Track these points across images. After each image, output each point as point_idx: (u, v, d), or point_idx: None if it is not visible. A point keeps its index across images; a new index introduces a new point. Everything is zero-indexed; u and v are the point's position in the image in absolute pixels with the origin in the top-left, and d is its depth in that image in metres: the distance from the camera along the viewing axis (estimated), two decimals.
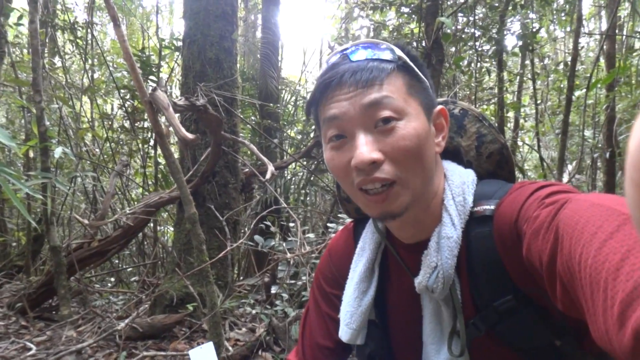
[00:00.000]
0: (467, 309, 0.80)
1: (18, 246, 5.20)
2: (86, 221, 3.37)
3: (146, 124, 5.15)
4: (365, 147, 0.71)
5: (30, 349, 2.59)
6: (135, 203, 4.41)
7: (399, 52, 0.77)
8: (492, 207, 0.76)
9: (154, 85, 4.13)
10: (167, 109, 1.70)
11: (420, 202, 0.79)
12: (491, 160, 0.88)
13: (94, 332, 2.90)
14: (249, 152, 4.62)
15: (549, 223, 0.59)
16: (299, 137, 5.90)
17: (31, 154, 4.88)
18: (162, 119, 2.78)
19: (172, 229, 5.12)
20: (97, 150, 4.97)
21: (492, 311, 0.77)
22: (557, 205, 0.60)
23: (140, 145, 4.98)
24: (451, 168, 0.85)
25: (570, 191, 0.67)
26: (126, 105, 4.71)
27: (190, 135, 1.84)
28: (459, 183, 0.81)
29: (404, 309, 0.90)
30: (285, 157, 5.20)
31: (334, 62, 0.77)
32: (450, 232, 0.77)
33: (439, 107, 0.80)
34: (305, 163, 4.68)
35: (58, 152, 2.93)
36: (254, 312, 3.07)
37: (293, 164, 4.98)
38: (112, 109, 5.80)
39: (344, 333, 0.90)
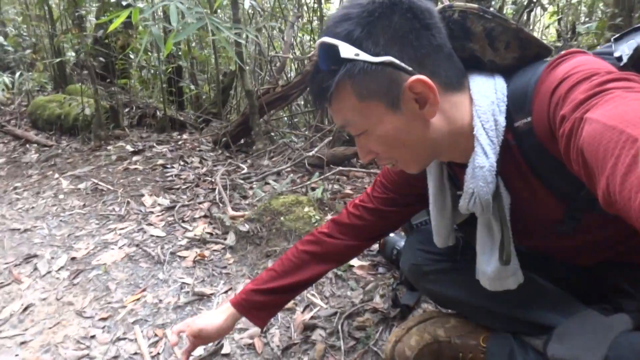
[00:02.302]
0: (551, 208, 0.85)
1: (208, 97, 6.11)
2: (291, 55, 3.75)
3: None
4: (359, 152, 0.87)
5: (242, 169, 3.27)
6: (309, 50, 4.74)
7: (345, 52, 0.73)
8: (529, 119, 0.76)
9: None
10: None
11: (441, 150, 0.85)
12: (512, 48, 0.82)
13: (284, 161, 3.49)
14: None
15: (574, 140, 0.59)
16: None
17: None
18: None
19: None
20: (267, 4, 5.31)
21: (581, 199, 0.81)
22: (576, 117, 0.60)
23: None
24: (476, 89, 0.81)
25: (588, 75, 0.65)
26: None
27: None
28: (486, 106, 0.79)
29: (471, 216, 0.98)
30: None
31: (312, 67, 0.85)
32: (482, 162, 0.79)
33: (411, 79, 0.73)
34: None
35: (247, 4, 3.27)
36: None
37: None
38: None
39: (437, 241, 1.06)
